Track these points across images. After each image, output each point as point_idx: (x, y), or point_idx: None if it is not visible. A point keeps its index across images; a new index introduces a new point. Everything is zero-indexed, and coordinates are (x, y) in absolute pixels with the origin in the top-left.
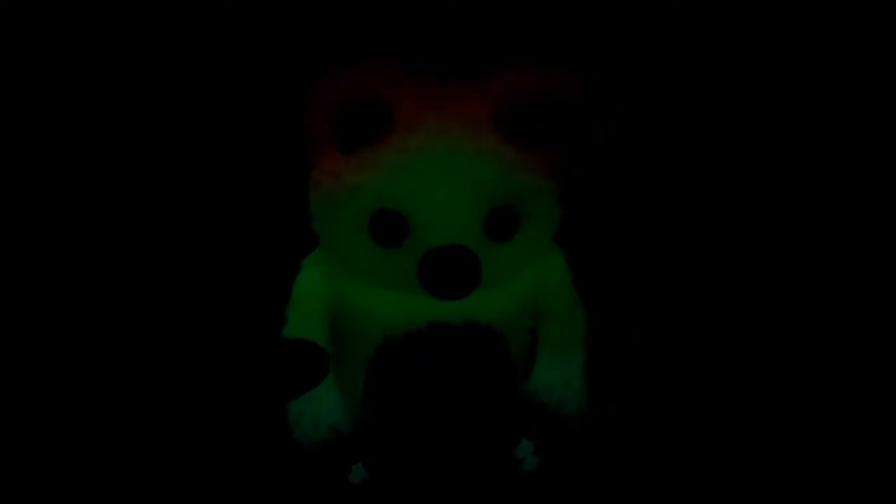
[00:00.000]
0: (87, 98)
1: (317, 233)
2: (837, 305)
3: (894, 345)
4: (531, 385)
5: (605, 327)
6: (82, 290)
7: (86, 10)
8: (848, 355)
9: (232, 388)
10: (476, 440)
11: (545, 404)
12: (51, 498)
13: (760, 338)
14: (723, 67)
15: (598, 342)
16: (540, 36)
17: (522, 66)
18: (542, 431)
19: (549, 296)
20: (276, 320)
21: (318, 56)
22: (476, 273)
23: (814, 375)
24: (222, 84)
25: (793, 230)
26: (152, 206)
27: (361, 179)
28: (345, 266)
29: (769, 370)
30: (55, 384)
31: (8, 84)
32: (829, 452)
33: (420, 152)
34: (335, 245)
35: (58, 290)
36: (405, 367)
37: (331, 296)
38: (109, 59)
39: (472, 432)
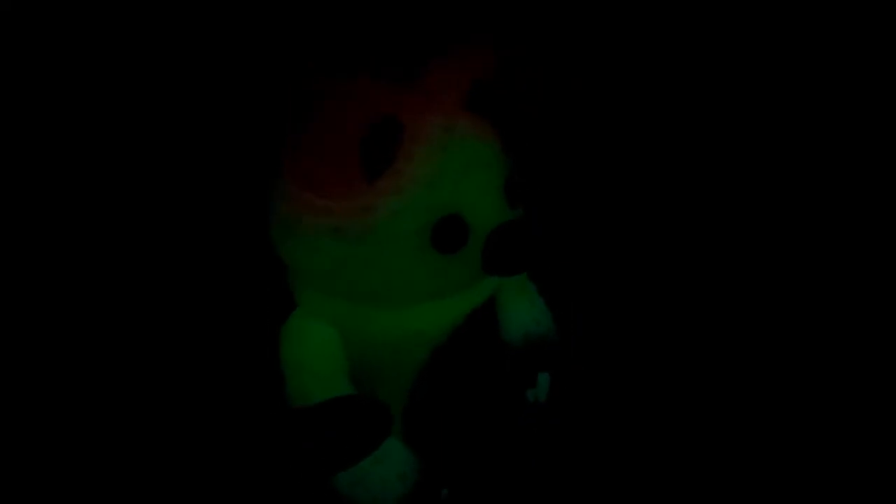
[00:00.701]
0: (87, 98)
1: (297, 281)
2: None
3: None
4: (519, 328)
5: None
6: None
7: (86, 10)
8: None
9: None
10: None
11: (542, 336)
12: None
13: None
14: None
15: None
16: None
17: (479, 45)
18: (552, 361)
19: None
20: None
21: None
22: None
23: (791, 368)
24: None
25: (761, 222)
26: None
27: (405, 199)
28: (388, 295)
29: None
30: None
31: (8, 84)
32: (816, 446)
33: (444, 153)
34: (365, 279)
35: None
36: (461, 364)
37: (347, 343)
38: (109, 59)
39: (512, 394)
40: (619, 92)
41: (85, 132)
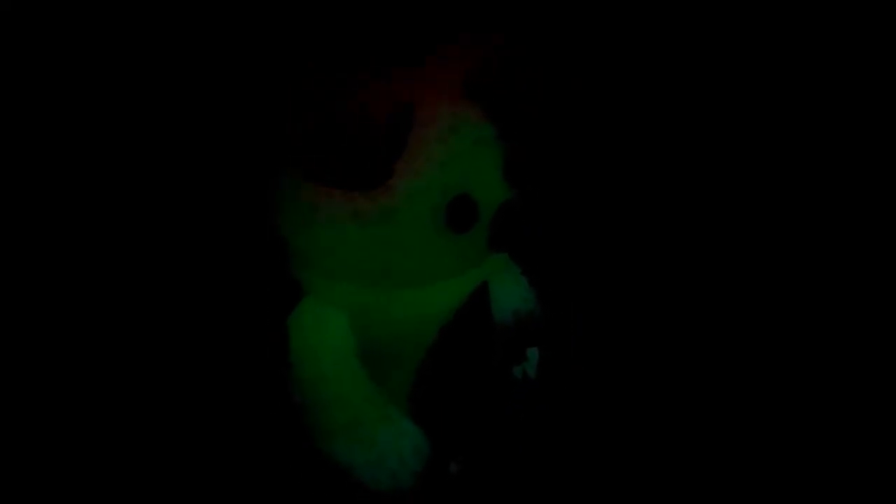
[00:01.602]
0: (88, 98)
1: (307, 271)
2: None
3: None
4: (508, 306)
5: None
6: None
7: (86, 10)
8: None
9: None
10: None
11: (530, 312)
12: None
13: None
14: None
15: None
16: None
17: (471, 36)
18: (541, 336)
19: None
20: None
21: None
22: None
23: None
24: None
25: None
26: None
27: (422, 180)
28: (403, 277)
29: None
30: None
31: (8, 84)
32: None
33: (452, 135)
34: (383, 262)
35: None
36: (466, 342)
37: (357, 329)
38: (110, 59)
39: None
40: (619, 92)
41: (85, 132)
